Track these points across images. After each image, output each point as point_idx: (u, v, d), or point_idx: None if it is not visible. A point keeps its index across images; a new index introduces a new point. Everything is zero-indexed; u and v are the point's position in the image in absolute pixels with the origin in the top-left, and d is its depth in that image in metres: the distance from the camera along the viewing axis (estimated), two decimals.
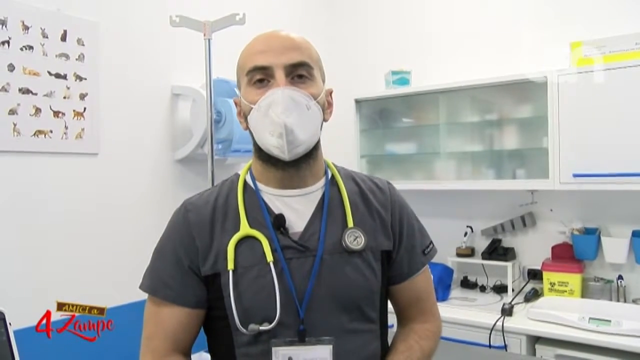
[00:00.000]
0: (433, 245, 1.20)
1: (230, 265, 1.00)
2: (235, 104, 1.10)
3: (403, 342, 1.13)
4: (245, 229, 1.03)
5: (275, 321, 0.97)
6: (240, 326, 0.98)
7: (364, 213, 1.10)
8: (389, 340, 1.16)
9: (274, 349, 0.98)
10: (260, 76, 1.00)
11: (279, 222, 1.02)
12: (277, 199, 1.06)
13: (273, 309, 0.97)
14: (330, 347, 0.98)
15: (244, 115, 1.05)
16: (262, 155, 1.04)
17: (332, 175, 1.12)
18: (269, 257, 1.00)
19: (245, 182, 1.09)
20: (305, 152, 1.02)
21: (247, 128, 1.06)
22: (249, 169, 1.12)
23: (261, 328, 0.97)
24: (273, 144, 0.98)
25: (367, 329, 1.06)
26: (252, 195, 1.07)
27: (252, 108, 1.00)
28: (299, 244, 1.02)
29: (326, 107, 1.07)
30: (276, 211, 1.04)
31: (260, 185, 1.07)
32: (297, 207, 1.06)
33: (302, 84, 1.01)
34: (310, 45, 1.06)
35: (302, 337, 0.98)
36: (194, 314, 1.05)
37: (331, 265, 1.02)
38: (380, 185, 1.16)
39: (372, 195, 1.13)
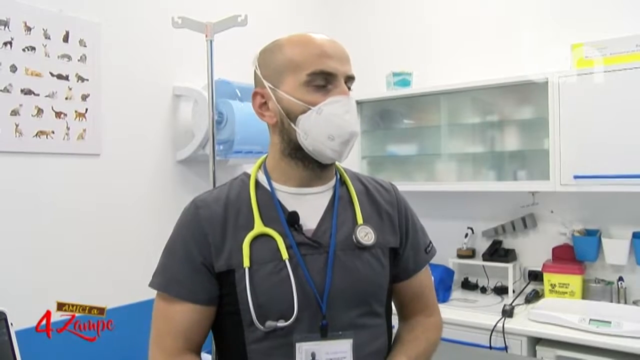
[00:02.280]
0: (432, 244, 1.24)
1: (246, 263, 1.00)
2: (259, 94, 1.07)
3: (409, 333, 1.16)
4: (259, 226, 1.03)
5: (293, 317, 0.98)
6: (257, 322, 0.98)
7: (371, 211, 1.12)
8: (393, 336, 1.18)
9: (297, 345, 0.99)
10: (323, 81, 1.01)
11: (292, 219, 1.04)
12: (290, 197, 1.07)
13: (290, 304, 0.98)
14: (351, 341, 1.00)
15: (281, 110, 1.03)
16: (297, 154, 1.05)
17: (341, 176, 1.15)
18: (284, 254, 1.01)
19: (257, 181, 1.10)
20: None
21: (278, 123, 1.05)
22: (260, 167, 1.12)
23: (279, 324, 0.98)
24: (333, 148, 1.01)
25: (375, 324, 1.08)
26: (264, 193, 1.08)
27: (309, 109, 1.00)
28: (312, 240, 1.04)
29: None
30: (289, 209, 1.05)
31: (275, 184, 1.09)
32: (310, 205, 1.07)
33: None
34: None
35: (324, 332, 1.00)
36: (205, 311, 1.05)
37: (343, 260, 1.04)
38: (385, 186, 1.20)
39: (378, 195, 1.16)
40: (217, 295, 1.05)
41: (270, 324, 0.98)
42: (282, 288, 0.99)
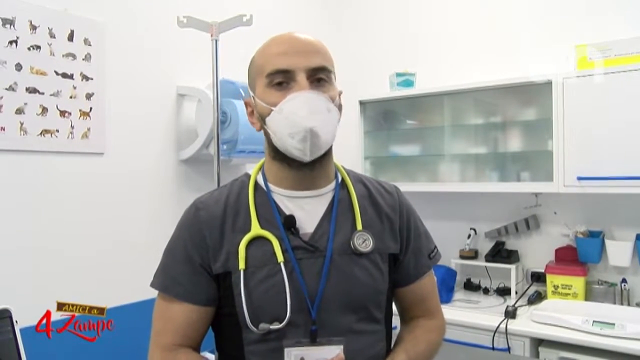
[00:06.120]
0: (437, 249, 1.23)
1: (242, 265, 1.01)
2: (247, 104, 1.10)
3: (409, 334, 1.16)
4: (256, 229, 1.03)
5: (285, 320, 0.98)
6: (251, 324, 0.98)
7: (372, 216, 1.11)
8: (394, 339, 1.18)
9: (286, 350, 0.99)
10: (281, 79, 1.00)
11: (289, 222, 1.03)
12: (288, 200, 1.07)
13: (283, 308, 0.98)
14: (342, 347, 0.99)
15: (258, 116, 1.05)
16: (278, 156, 1.05)
17: (342, 179, 1.13)
18: (280, 258, 1.01)
19: (256, 183, 1.10)
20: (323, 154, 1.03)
21: (262, 129, 1.06)
22: (260, 169, 1.12)
23: (272, 327, 0.98)
24: (295, 146, 0.99)
25: (373, 329, 1.07)
26: (263, 195, 1.08)
27: (272, 110, 1.00)
28: (309, 244, 1.03)
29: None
30: (287, 212, 1.05)
31: (272, 186, 1.08)
32: (307, 208, 1.07)
33: (322, 88, 1.01)
34: (327, 49, 1.06)
35: (314, 338, 0.99)
36: (203, 312, 1.06)
37: (340, 265, 1.03)
38: (388, 189, 1.18)
39: (381, 198, 1.14)
40: (215, 297, 1.05)
41: (263, 326, 0.98)
42: (276, 292, 0.99)
